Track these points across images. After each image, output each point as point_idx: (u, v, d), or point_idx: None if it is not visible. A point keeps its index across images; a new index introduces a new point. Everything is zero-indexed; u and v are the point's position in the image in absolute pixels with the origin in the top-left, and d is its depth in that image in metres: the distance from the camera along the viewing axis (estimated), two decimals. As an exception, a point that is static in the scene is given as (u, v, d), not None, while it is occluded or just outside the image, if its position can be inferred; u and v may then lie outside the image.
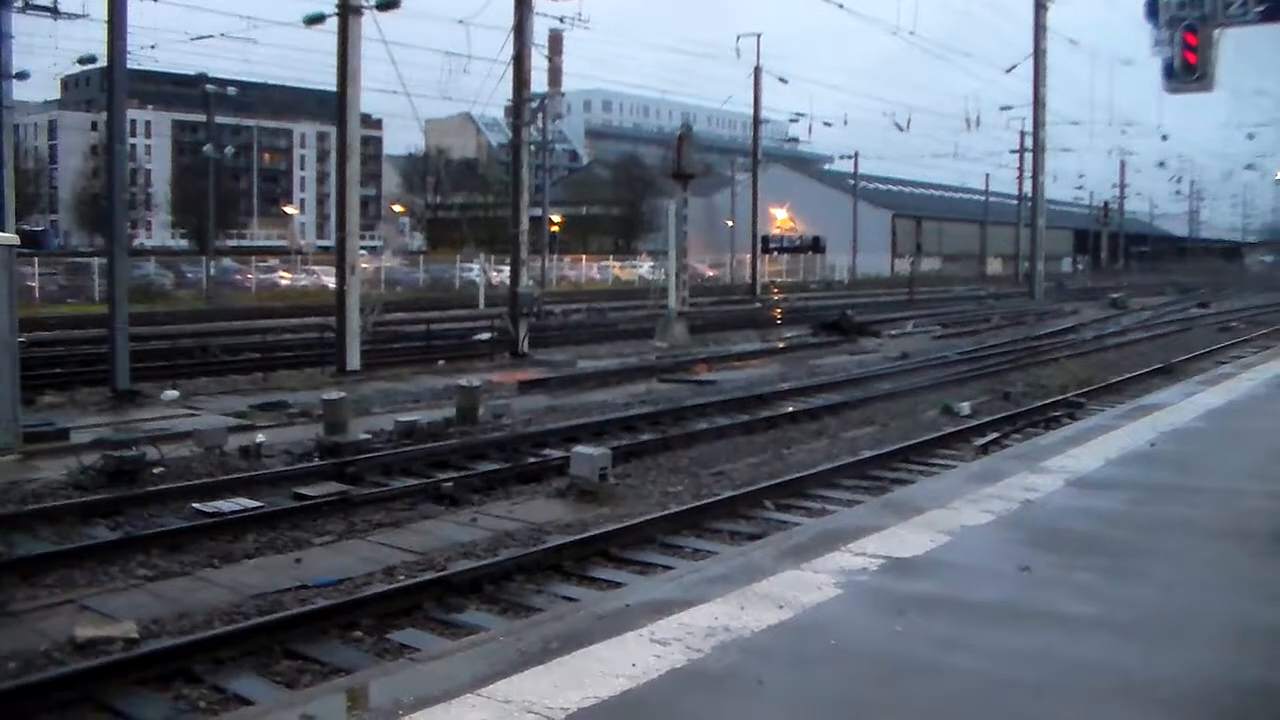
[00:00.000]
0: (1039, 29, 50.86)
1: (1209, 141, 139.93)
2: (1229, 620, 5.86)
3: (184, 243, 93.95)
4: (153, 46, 39.30)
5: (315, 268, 64.33)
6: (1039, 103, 51.89)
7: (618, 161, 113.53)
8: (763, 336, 34.58)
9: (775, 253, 76.97)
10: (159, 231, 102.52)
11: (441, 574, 9.24)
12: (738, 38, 60.20)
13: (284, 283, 61.73)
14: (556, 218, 78.36)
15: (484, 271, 49.01)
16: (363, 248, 28.94)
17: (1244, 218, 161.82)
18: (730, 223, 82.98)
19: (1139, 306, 50.04)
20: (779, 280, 75.53)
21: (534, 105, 31.11)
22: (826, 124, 76.81)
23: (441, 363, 25.51)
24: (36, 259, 50.68)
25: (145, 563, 9.88)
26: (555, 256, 74.28)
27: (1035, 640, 5.54)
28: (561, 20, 34.87)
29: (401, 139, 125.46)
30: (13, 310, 14.92)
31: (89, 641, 7.75)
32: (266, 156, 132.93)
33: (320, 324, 27.56)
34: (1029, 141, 58.61)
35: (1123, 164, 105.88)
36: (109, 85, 20.50)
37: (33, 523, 11.02)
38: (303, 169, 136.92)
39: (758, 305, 51.21)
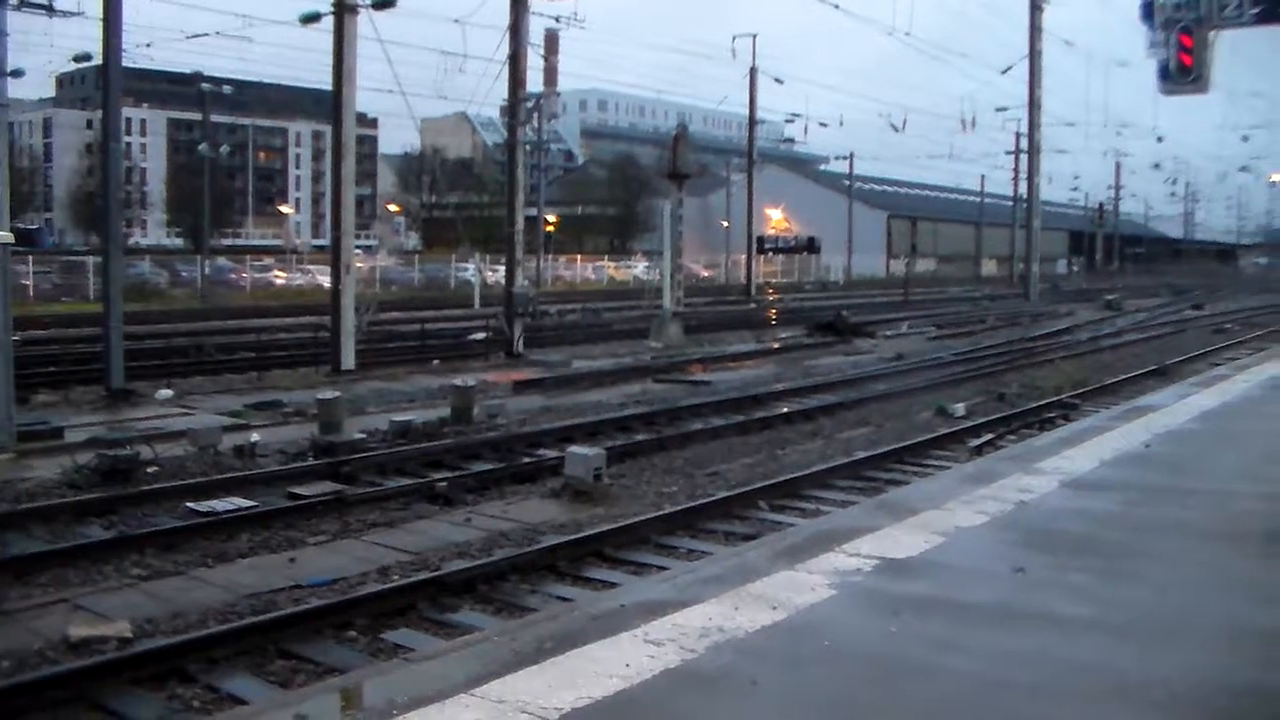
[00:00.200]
0: (1034, 30, 50.95)
1: (1204, 143, 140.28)
2: (1223, 622, 5.87)
3: (179, 241, 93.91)
4: (148, 45, 39.18)
5: (310, 267, 64.34)
6: (1034, 104, 51.97)
7: (613, 161, 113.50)
8: (758, 337, 34.57)
9: (770, 253, 76.91)
10: (154, 230, 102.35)
11: (436, 574, 9.24)
12: (733, 38, 60.30)
13: (279, 282, 61.67)
14: (552, 217, 78.26)
15: (479, 271, 49.02)
16: (358, 247, 28.90)
17: (1239, 220, 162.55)
18: (725, 223, 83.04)
19: (1134, 308, 50.11)
20: (774, 281, 75.52)
21: (529, 105, 31.13)
22: (822, 124, 77.11)
23: (436, 362, 25.49)
24: (31, 257, 50.63)
25: (139, 562, 9.87)
26: (550, 256, 74.27)
27: (1030, 641, 5.55)
28: (557, 20, 34.77)
29: (397, 138, 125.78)
30: (7, 308, 14.90)
31: (83, 641, 7.73)
32: (262, 155, 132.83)
33: (315, 323, 27.53)
34: (1024, 143, 58.72)
35: (1118, 166, 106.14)
36: (104, 83, 20.47)
37: (27, 522, 11.00)
38: (298, 168, 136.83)
39: (753, 306, 51.20)
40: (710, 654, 5.24)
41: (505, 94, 28.72)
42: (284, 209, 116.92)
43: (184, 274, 57.87)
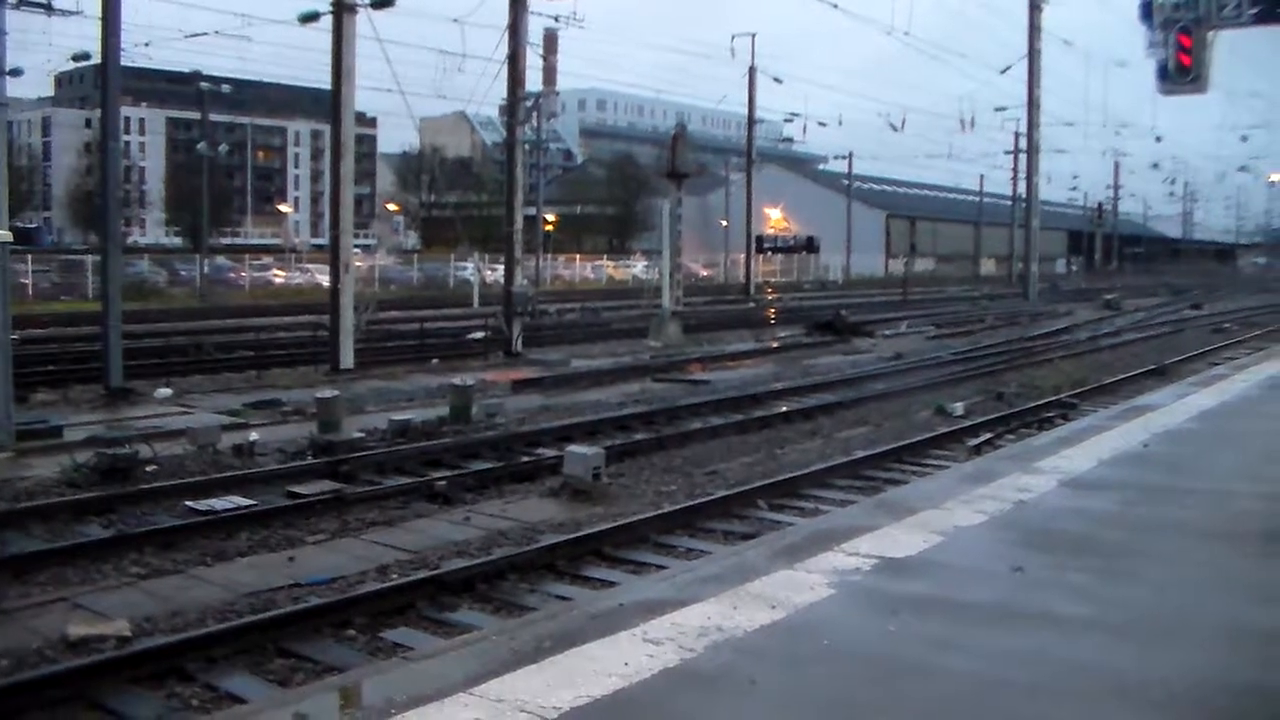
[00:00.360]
0: (1033, 30, 50.95)
1: (1203, 143, 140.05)
2: (1222, 621, 5.87)
3: (178, 240, 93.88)
4: (147, 44, 39.18)
5: (309, 266, 64.32)
6: (1033, 104, 51.96)
7: (612, 161, 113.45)
8: (757, 336, 34.58)
9: (769, 253, 76.89)
10: (153, 229, 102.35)
11: (435, 573, 9.24)
12: (733, 37, 60.30)
13: (278, 281, 61.67)
14: (551, 217, 78.27)
15: (478, 270, 49.02)
16: (357, 246, 28.85)
17: (1237, 219, 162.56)
18: (724, 222, 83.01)
19: (1133, 308, 50.12)
20: (773, 280, 75.48)
21: (529, 104, 31.12)
22: (821, 124, 77.07)
23: (435, 361, 25.48)
24: (30, 256, 50.60)
25: (138, 561, 9.87)
26: (550, 256, 74.25)
27: (1028, 641, 5.55)
28: (556, 19, 34.77)
29: (396, 137, 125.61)
30: (6, 307, 14.90)
31: (81, 639, 7.73)
32: (261, 154, 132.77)
33: (314, 322, 27.54)
34: (1023, 142, 58.72)
35: (1117, 165, 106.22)
36: (103, 82, 20.46)
37: (25, 520, 11.00)
38: (297, 167, 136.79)
39: (752, 305, 51.20)
40: (709, 653, 5.24)
41: (504, 93, 28.72)
42: (283, 208, 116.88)
43: (183, 273, 57.86)
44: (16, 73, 29.00)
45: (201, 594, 8.94)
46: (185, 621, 8.20)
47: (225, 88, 60.85)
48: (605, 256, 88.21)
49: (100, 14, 19.70)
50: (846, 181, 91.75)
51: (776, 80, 68.14)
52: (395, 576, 9.29)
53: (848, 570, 6.63)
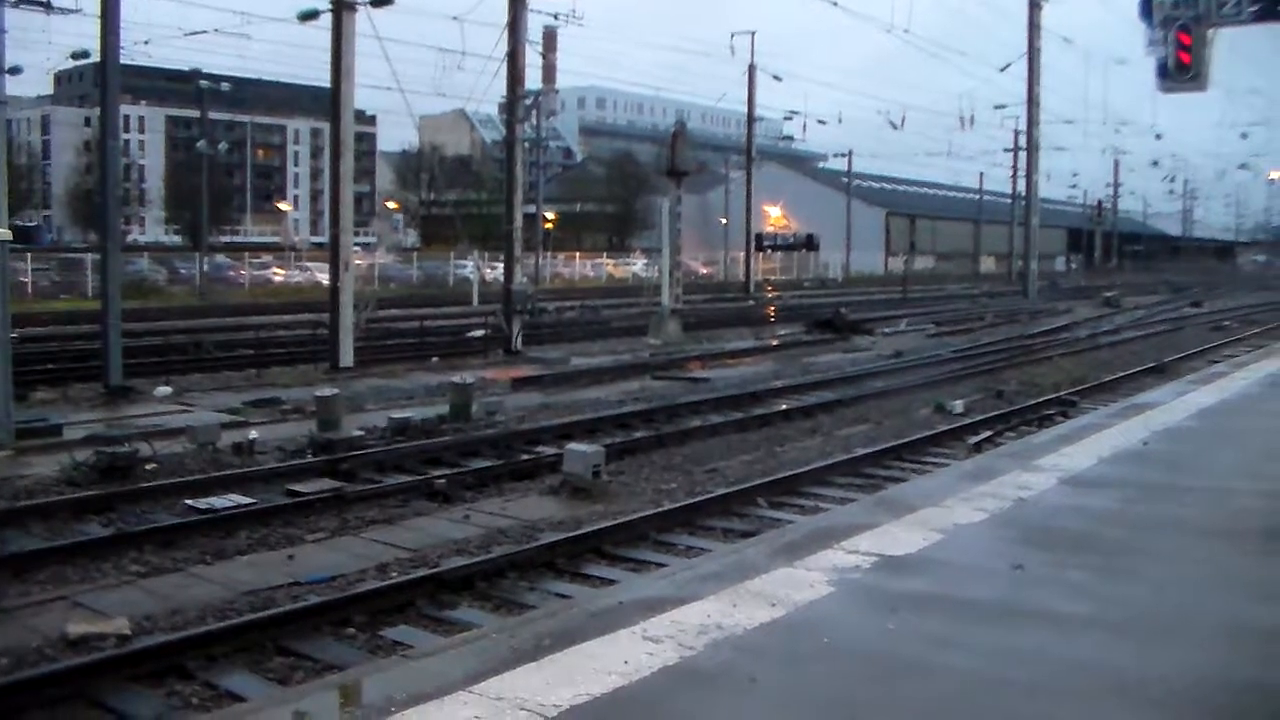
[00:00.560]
0: (1033, 28, 50.87)
1: (1202, 141, 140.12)
2: (1222, 619, 5.87)
3: (177, 239, 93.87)
4: (146, 42, 39.21)
5: (309, 264, 64.27)
6: (1033, 102, 51.88)
7: (612, 159, 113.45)
8: (756, 334, 34.58)
9: (769, 250, 76.94)
10: (152, 227, 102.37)
11: (434, 571, 9.24)
12: (732, 35, 60.33)
13: (277, 279, 61.64)
14: (550, 215, 78.24)
15: (478, 268, 49.01)
16: (356, 244, 28.85)
17: (1237, 217, 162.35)
18: (724, 220, 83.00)
19: (1132, 305, 50.12)
20: (773, 278, 75.51)
21: (528, 102, 31.08)
22: (821, 122, 77.01)
23: (435, 359, 25.48)
24: (30, 254, 50.55)
25: (138, 559, 9.86)
26: (549, 254, 74.24)
27: (1028, 639, 5.54)
28: (556, 17, 34.76)
29: (396, 135, 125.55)
30: (6, 305, 14.90)
31: (81, 638, 7.73)
32: (260, 152, 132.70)
33: (314, 320, 27.53)
34: (1023, 140, 58.62)
35: (1116, 163, 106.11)
36: (102, 80, 20.45)
37: (25, 519, 11.00)
38: (296, 165, 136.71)
39: (751, 303, 51.21)
40: (709, 651, 5.24)
41: (504, 91, 28.72)
42: (282, 206, 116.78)
43: (182, 271, 57.84)
44: (16, 71, 29.00)
45: (201, 592, 8.94)
46: (185, 620, 8.21)
47: (225, 86, 60.81)
48: (605, 254, 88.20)
49: (99, 12, 19.69)
50: (846, 179, 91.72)
51: (776, 78, 67.89)
52: (395, 575, 9.29)
53: (847, 568, 6.63)
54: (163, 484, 12.29)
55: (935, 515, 7.96)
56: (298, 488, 12.28)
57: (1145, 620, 5.84)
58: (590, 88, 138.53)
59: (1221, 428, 12.57)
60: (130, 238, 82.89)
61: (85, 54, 36.49)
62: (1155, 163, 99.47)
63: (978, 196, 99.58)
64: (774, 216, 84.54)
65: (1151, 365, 24.05)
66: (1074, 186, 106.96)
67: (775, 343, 31.42)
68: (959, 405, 18.25)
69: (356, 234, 27.78)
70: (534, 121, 49.26)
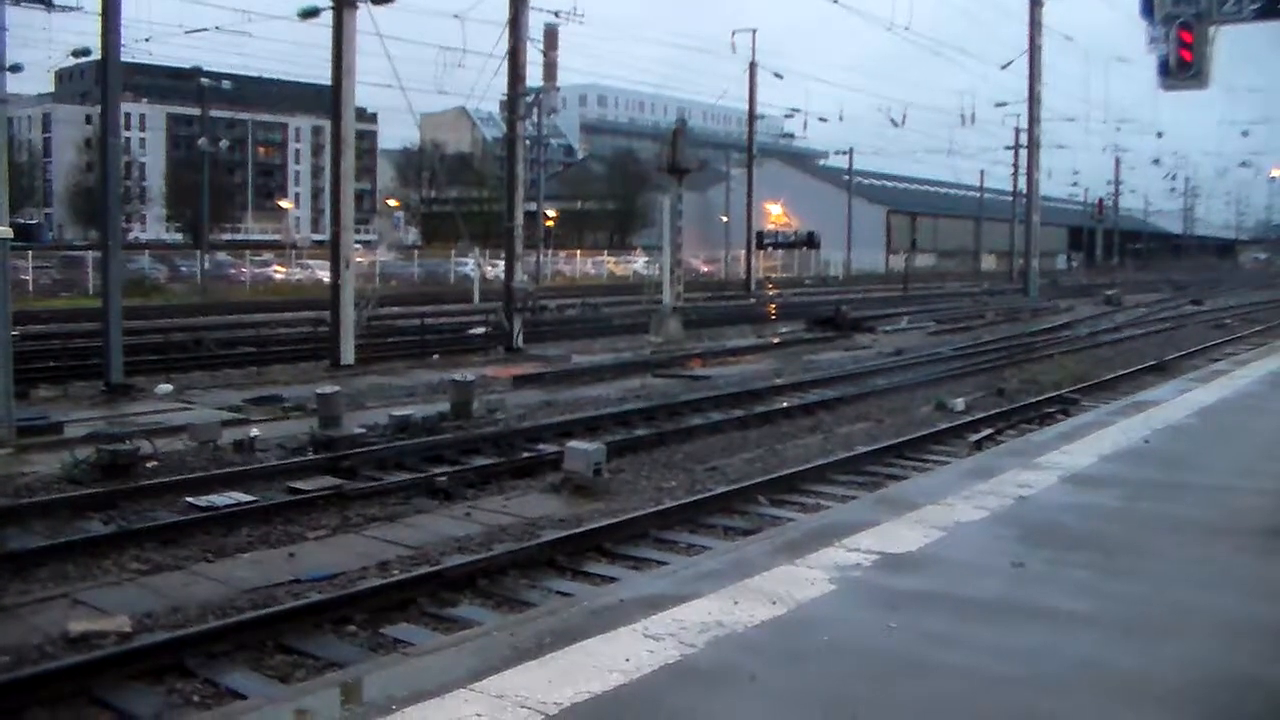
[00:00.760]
0: (1034, 25, 50.82)
1: (1204, 139, 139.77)
2: (1222, 616, 5.88)
3: (178, 236, 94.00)
4: (147, 39, 39.28)
5: (310, 262, 64.26)
6: (1034, 99, 51.83)
7: (613, 156, 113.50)
8: (757, 332, 34.58)
9: (770, 248, 77.00)
10: (153, 225, 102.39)
11: (435, 569, 9.23)
12: (733, 33, 60.27)
13: (278, 277, 61.64)
14: (551, 212, 78.25)
15: (479, 266, 48.91)
16: (357, 242, 28.85)
17: (1238, 215, 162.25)
18: (725, 218, 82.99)
19: (1133, 303, 50.09)
20: (774, 276, 75.56)
21: (529, 100, 31.08)
22: (822, 119, 76.67)
23: (436, 357, 25.48)
24: (30, 252, 50.57)
25: (138, 557, 9.86)
26: (550, 251, 74.25)
27: (1029, 637, 5.55)
28: (557, 15, 34.81)
29: (396, 133, 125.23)
30: (6, 303, 14.90)
31: (82, 636, 7.74)
32: (261, 150, 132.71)
33: (314, 318, 27.55)
34: (1024, 138, 58.55)
35: (1117, 161, 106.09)
36: (103, 78, 20.45)
37: (26, 516, 10.99)
38: (297, 163, 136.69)
39: (752, 301, 51.20)
40: (709, 649, 5.24)
41: (505, 89, 28.73)
42: (283, 204, 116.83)
43: (183, 269, 57.86)
44: (17, 69, 29.00)
45: (202, 590, 8.94)
46: (186, 618, 8.20)
47: (226, 83, 60.97)
48: (606, 252, 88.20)
49: (100, 10, 19.68)
50: (847, 177, 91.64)
51: (777, 76, 67.78)
52: (396, 572, 9.29)
53: (848, 566, 6.63)
54: (163, 481, 12.29)
55: (936, 513, 7.96)
56: (299, 485, 12.28)
57: (1146, 618, 5.84)
58: (591, 85, 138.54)
59: (1222, 426, 12.58)
60: (131, 235, 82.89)
61: (86, 51, 36.54)
62: (1156, 161, 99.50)
63: (979, 194, 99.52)
64: (775, 214, 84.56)
65: (1152, 363, 24.04)
66: (1075, 184, 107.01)
67: (776, 340, 31.41)
68: (960, 403, 18.25)
69: (357, 231, 27.79)
70: (535, 119, 49.28)
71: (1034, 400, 18.47)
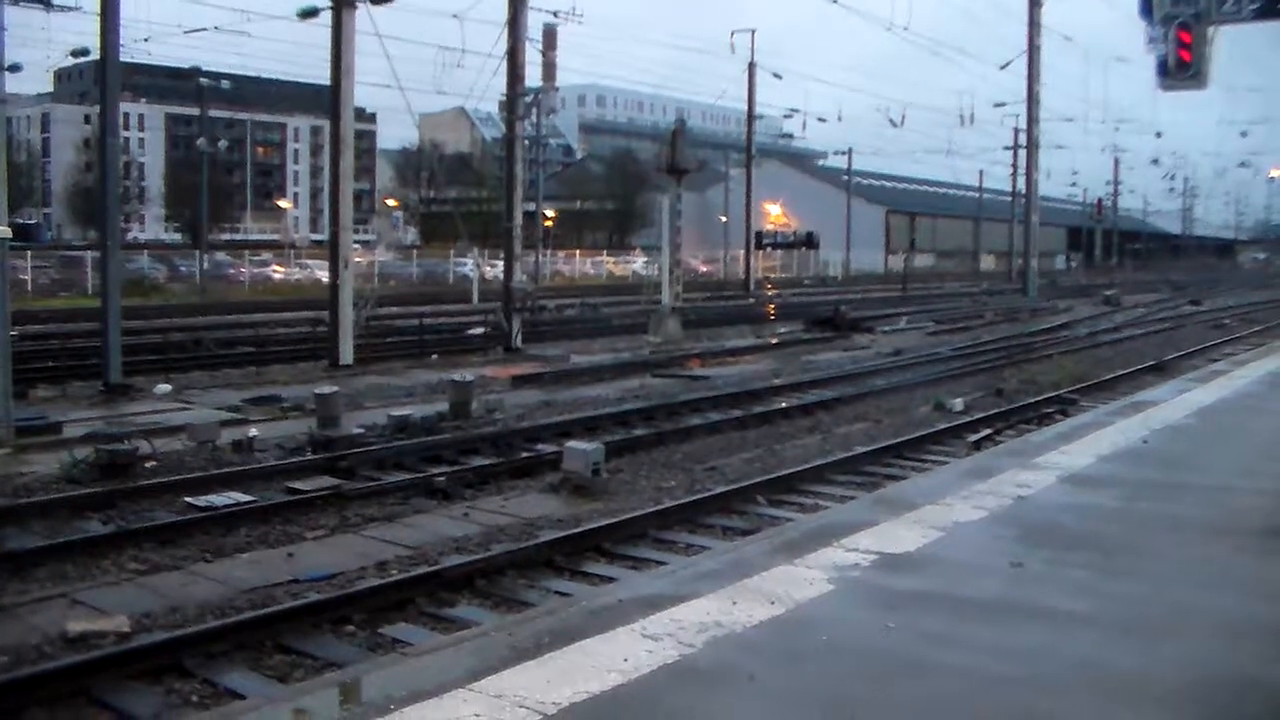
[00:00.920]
0: (1033, 25, 50.84)
1: (1203, 139, 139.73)
2: (1221, 616, 5.88)
3: (177, 236, 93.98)
4: (146, 39, 39.27)
5: (309, 262, 64.25)
6: (1033, 99, 51.85)
7: (612, 157, 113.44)
8: (756, 332, 34.58)
9: (769, 248, 77.07)
10: (152, 225, 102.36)
11: (434, 569, 9.23)
12: (732, 33, 60.35)
13: (277, 277, 61.63)
14: (550, 212, 78.28)
15: (478, 266, 48.93)
16: (356, 242, 28.87)
17: (1237, 215, 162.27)
18: (724, 218, 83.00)
19: (1132, 303, 50.11)
20: (773, 276, 75.55)
21: (528, 100, 31.03)
22: (821, 120, 76.87)
23: (435, 357, 25.48)
24: (29, 252, 50.59)
25: (137, 557, 9.85)
26: (549, 251, 74.25)
27: (1027, 637, 5.55)
28: (556, 15, 34.72)
29: (395, 133, 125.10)
30: (5, 303, 14.89)
31: (80, 635, 7.73)
32: (260, 150, 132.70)
33: (313, 318, 27.55)
34: (1023, 138, 58.56)
35: (1116, 161, 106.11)
36: (102, 78, 20.43)
37: (24, 516, 10.98)
38: (296, 163, 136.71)
39: (751, 301, 51.20)
40: (708, 649, 5.24)
41: (504, 89, 28.74)
42: (282, 204, 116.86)
43: (182, 269, 57.86)
44: (16, 68, 28.99)
45: (200, 590, 8.93)
46: (184, 617, 8.20)
47: (225, 83, 60.96)
48: (605, 252, 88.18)
49: (99, 9, 19.68)
50: (846, 177, 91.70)
51: (776, 76, 67.98)
52: (394, 572, 9.28)
53: (847, 566, 6.63)
54: (162, 481, 12.28)
55: (935, 513, 7.96)
56: (297, 485, 12.28)
57: (1145, 618, 5.84)
58: (590, 85, 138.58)
59: (1221, 426, 12.58)
60: (130, 235, 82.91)
61: (85, 51, 36.53)
62: (1155, 161, 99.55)
63: (977, 194, 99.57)
64: (774, 214, 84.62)
65: (1151, 363, 24.05)
66: (1074, 184, 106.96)
67: (775, 341, 31.40)
68: (959, 403, 18.25)
69: (356, 231, 27.79)
70: (534, 119, 49.18)
71: (1033, 400, 18.47)
